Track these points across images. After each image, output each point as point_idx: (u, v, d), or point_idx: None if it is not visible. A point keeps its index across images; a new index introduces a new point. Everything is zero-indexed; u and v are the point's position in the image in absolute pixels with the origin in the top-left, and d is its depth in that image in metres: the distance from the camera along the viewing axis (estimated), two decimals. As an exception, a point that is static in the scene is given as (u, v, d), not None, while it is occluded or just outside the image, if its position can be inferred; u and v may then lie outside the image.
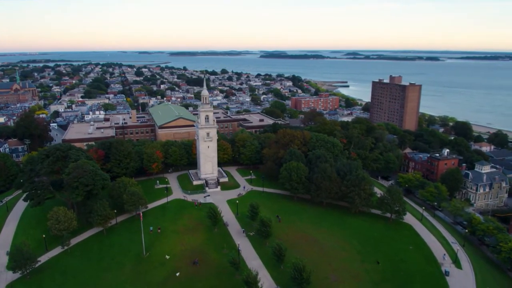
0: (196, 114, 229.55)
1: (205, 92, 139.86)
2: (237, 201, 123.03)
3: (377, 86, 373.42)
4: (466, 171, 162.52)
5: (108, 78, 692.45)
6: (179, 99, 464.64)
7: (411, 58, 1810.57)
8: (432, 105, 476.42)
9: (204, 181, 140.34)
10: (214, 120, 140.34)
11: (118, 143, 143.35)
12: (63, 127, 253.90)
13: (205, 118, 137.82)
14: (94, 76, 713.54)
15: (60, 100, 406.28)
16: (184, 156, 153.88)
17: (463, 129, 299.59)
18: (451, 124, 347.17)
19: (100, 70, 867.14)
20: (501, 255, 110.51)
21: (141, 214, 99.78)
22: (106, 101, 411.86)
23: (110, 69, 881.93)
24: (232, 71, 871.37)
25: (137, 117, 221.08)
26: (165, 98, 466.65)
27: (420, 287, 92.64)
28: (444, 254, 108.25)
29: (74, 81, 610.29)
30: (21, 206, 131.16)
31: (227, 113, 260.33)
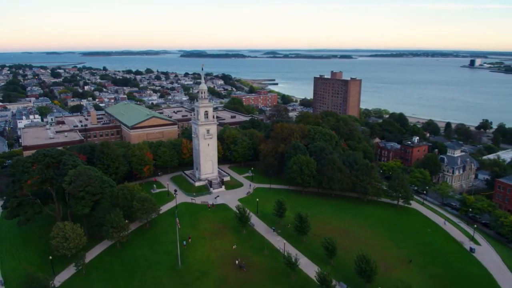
0: (161, 112, 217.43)
1: (203, 86, 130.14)
2: (257, 199, 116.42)
3: (319, 82, 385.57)
4: (441, 155, 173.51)
5: (22, 80, 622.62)
6: (112, 100, 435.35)
7: (326, 56, 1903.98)
8: (362, 99, 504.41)
9: (206, 181, 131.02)
10: (214, 116, 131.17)
11: (104, 146, 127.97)
12: (1, 134, 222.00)
13: (205, 114, 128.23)
14: (4, 79, 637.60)
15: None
16: (174, 157, 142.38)
17: (400, 120, 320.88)
18: (386, 116, 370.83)
19: (9, 72, 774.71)
20: (504, 229, 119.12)
21: (178, 221, 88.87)
22: (30, 104, 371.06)
23: (21, 71, 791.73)
24: (158, 71, 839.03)
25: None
26: (96, 100, 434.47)
27: (459, 265, 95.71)
28: (445, 221, 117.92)
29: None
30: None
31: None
